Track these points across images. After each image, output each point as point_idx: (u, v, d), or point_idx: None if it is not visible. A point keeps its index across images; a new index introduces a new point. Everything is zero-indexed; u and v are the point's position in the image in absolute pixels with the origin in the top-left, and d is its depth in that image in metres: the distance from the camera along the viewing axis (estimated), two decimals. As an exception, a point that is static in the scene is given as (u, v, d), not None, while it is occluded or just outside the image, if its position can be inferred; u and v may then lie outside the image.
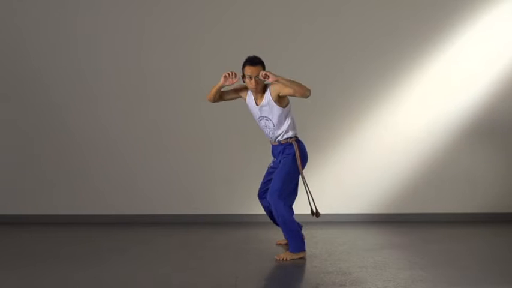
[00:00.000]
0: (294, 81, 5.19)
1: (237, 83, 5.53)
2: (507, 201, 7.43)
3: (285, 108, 5.38)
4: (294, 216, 5.45)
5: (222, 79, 5.41)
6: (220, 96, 5.63)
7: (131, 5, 7.38)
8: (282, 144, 5.45)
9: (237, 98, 5.68)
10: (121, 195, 7.36)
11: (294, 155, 5.40)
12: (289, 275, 4.91)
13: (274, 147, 5.56)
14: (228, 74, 5.39)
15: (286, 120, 5.40)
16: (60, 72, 7.38)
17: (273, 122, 5.41)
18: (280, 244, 5.92)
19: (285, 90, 5.25)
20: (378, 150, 7.37)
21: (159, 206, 7.36)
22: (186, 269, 4.98)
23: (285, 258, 5.30)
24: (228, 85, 5.48)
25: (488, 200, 7.42)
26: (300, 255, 5.37)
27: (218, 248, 5.82)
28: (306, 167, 5.60)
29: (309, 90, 5.15)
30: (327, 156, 7.34)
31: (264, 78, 5.23)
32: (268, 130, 5.49)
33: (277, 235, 6.03)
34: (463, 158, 7.41)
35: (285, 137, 5.43)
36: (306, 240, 5.67)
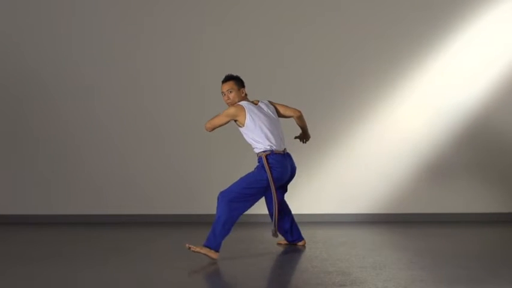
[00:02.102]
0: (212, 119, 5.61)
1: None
2: (507, 201, 7.43)
3: (242, 128, 5.56)
4: (232, 220, 5.34)
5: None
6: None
7: (131, 2, 7.39)
8: (258, 157, 5.56)
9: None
10: (121, 195, 7.36)
11: (261, 168, 5.47)
12: (289, 275, 4.91)
13: None
14: None
15: (251, 137, 5.53)
16: (57, 70, 7.38)
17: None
18: (280, 244, 5.92)
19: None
20: (378, 150, 7.37)
21: (159, 206, 7.37)
22: (186, 269, 4.98)
23: (192, 248, 5.23)
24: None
25: (487, 200, 7.42)
26: (210, 253, 5.23)
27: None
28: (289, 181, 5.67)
29: (206, 127, 5.61)
30: (326, 156, 7.34)
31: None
32: None
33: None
34: (462, 158, 7.41)
35: (256, 151, 5.57)
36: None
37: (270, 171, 5.42)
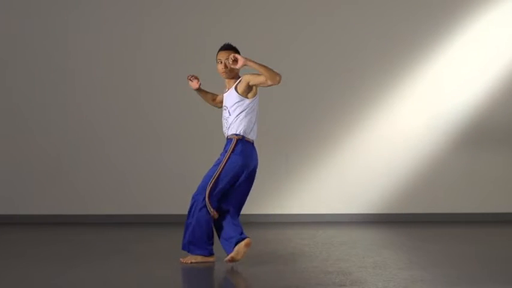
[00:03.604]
0: (264, 66, 4.99)
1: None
2: (507, 201, 7.43)
3: (246, 100, 5.07)
4: (211, 220, 5.11)
5: (189, 84, 5.31)
6: (214, 100, 5.54)
7: (130, 3, 7.39)
8: (228, 139, 5.14)
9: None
10: (121, 195, 7.37)
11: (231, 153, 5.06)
12: (289, 275, 4.90)
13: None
14: (189, 77, 5.27)
15: (242, 113, 5.07)
16: (54, 70, 7.38)
17: (228, 111, 5.13)
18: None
19: (256, 80, 5.04)
20: (378, 150, 7.37)
21: (158, 206, 7.36)
22: (186, 269, 4.98)
23: (186, 261, 5.07)
24: (195, 89, 5.39)
25: (487, 200, 7.42)
26: (205, 259, 5.10)
27: (218, 248, 5.81)
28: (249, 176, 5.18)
29: (279, 75, 4.93)
30: (327, 156, 7.34)
31: (234, 61, 5.00)
32: (224, 121, 5.21)
33: (277, 235, 6.02)
34: (462, 157, 7.41)
35: (231, 131, 5.10)
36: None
37: (227, 160, 5.02)
